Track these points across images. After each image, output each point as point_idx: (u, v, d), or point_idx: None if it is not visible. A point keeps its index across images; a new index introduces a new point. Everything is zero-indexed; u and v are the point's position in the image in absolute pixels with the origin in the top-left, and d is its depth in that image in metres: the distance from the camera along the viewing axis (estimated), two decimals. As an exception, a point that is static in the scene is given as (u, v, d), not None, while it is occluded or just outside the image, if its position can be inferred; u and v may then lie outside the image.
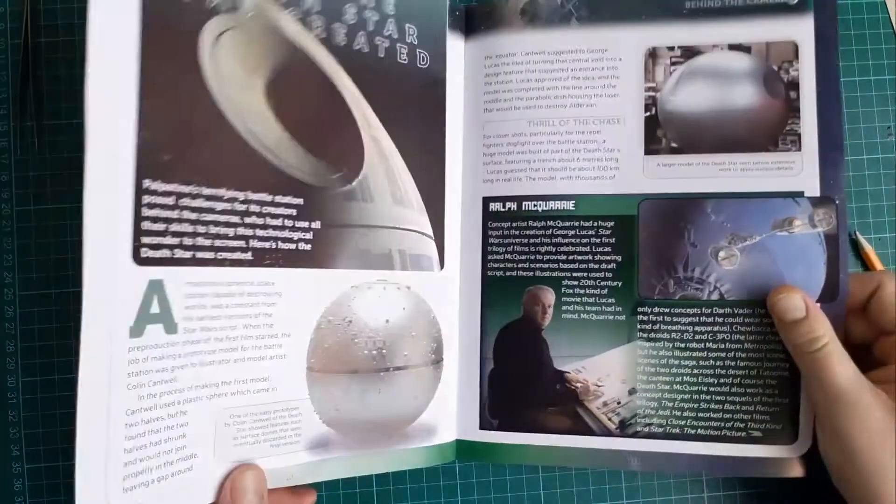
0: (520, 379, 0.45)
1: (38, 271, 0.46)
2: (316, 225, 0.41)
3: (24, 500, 0.45)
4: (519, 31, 0.45)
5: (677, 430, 0.44)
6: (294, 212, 0.40)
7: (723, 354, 0.43)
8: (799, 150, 0.43)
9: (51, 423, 0.46)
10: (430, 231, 0.45)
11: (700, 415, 0.43)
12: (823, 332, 0.40)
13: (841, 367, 0.39)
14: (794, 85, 0.43)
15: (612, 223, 0.44)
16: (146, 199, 0.35)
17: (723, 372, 0.43)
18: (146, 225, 0.35)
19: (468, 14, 0.46)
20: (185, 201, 0.36)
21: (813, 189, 0.42)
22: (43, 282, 0.46)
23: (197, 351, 0.37)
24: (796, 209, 0.42)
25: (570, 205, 0.44)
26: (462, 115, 0.46)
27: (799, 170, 0.42)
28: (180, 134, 0.36)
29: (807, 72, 0.43)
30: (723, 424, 0.43)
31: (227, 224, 0.37)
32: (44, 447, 0.45)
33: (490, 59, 0.46)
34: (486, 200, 0.45)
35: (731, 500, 0.46)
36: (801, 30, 0.43)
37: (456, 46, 0.46)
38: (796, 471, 0.42)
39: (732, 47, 0.44)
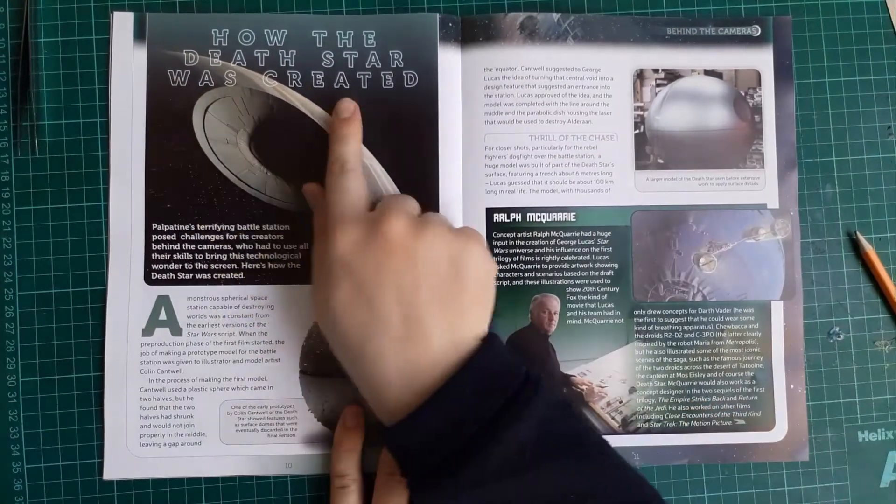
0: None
1: (38, 271, 0.46)
2: (304, 246, 0.46)
3: (24, 500, 0.45)
4: (518, 45, 0.46)
5: (673, 424, 0.46)
6: (282, 236, 0.46)
7: (708, 350, 0.46)
8: (762, 167, 0.47)
9: (51, 423, 0.45)
10: None
11: (692, 408, 0.46)
12: None
13: None
14: (758, 109, 0.47)
15: (608, 233, 0.46)
16: (154, 237, 0.46)
17: (709, 367, 0.46)
18: (155, 256, 0.46)
19: (464, 25, 0.47)
20: (185, 236, 0.46)
21: (773, 202, 0.47)
22: (43, 282, 0.46)
23: (200, 350, 0.46)
24: (761, 220, 0.47)
25: (571, 216, 0.46)
26: (460, 125, 0.47)
27: (763, 185, 0.47)
28: (179, 187, 0.46)
29: (767, 98, 0.47)
30: (711, 415, 0.46)
31: (221, 251, 0.46)
32: (44, 447, 0.45)
33: (490, 72, 0.46)
34: (490, 211, 0.46)
35: (731, 499, 0.46)
36: (762, 60, 0.47)
37: (450, 58, 0.47)
38: (776, 455, 0.46)
39: (707, 72, 0.47)
